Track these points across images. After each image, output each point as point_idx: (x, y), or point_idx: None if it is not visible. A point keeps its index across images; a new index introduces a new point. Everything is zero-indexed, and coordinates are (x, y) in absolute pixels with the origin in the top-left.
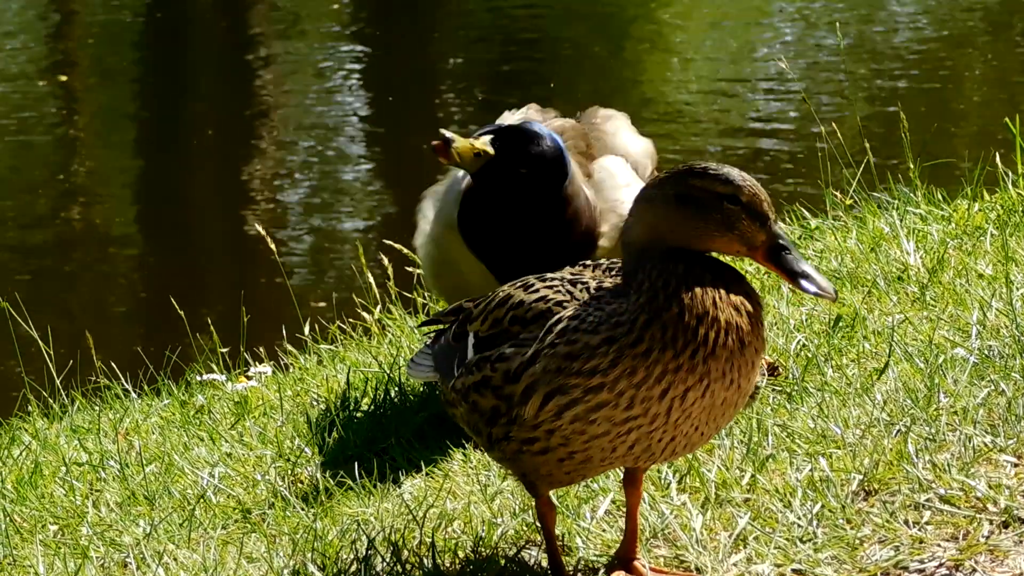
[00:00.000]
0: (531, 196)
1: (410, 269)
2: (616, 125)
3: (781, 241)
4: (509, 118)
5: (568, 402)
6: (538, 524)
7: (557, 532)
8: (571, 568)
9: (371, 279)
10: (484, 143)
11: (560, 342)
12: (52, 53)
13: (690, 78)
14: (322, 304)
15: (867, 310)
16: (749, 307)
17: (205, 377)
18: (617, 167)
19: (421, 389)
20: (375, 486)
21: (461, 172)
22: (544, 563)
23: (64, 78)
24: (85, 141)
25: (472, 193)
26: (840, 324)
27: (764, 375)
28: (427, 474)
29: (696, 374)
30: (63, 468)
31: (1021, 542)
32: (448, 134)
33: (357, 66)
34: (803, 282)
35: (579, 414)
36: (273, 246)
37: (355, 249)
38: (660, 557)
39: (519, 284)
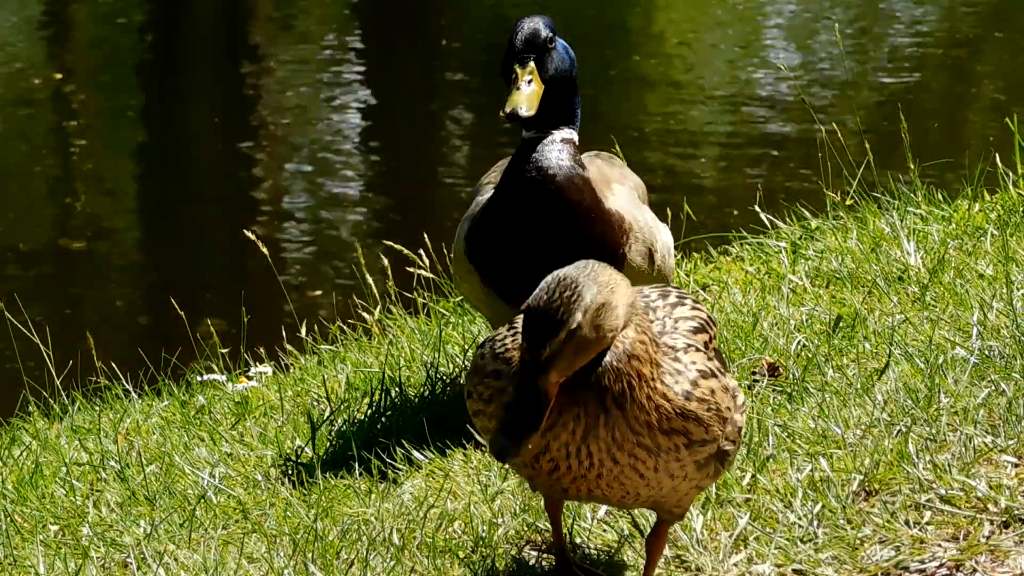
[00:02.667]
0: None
1: (410, 269)
2: (620, 163)
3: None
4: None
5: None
6: (546, 511)
7: None
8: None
9: (371, 280)
10: (532, 70)
11: (476, 355)
12: (49, 53)
13: (690, 78)
14: (322, 304)
15: (867, 310)
16: None
17: (205, 377)
18: (632, 190)
19: (421, 389)
20: (376, 487)
21: (477, 198)
22: (545, 563)
23: (59, 76)
24: (83, 141)
25: (488, 208)
26: (840, 324)
27: (765, 375)
28: (427, 474)
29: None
30: (63, 468)
31: (1022, 542)
32: (511, 111)
33: (357, 68)
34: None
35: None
36: (266, 250)
37: (355, 250)
38: (661, 557)
39: None
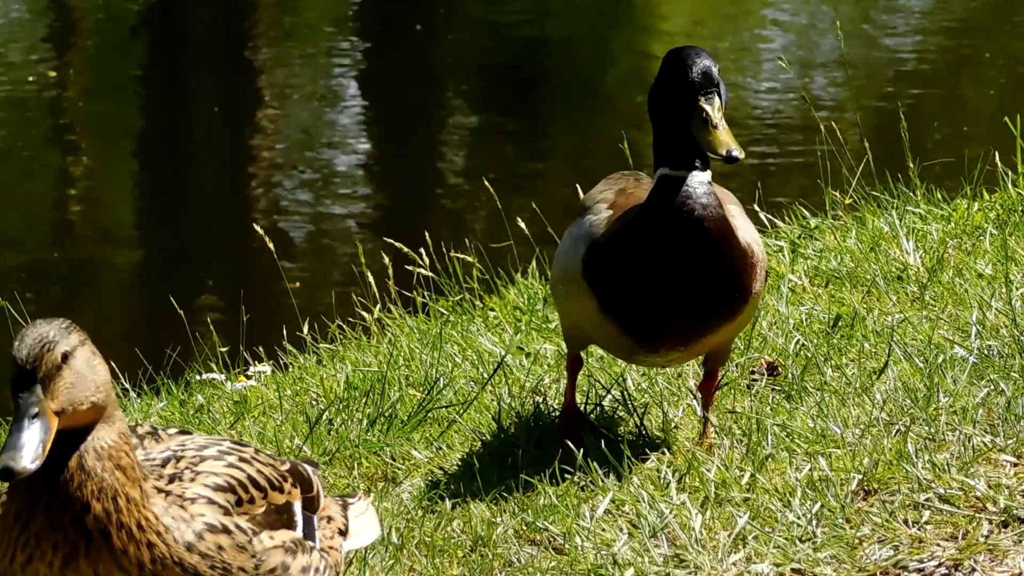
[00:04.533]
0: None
1: (409, 268)
2: (737, 210)
3: None
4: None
5: None
6: None
7: (557, 531)
8: None
9: (371, 278)
10: (720, 107)
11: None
12: (44, 50)
13: None
14: (321, 303)
15: (867, 310)
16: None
17: (204, 376)
18: (741, 209)
19: (421, 388)
20: (375, 486)
21: (591, 217)
22: (542, 563)
23: (53, 74)
24: (82, 140)
25: (625, 237)
26: (839, 324)
27: (763, 375)
28: (426, 473)
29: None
30: None
31: (1020, 542)
32: (728, 153)
33: (358, 67)
34: None
35: None
36: (272, 246)
37: (355, 248)
38: (660, 555)
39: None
